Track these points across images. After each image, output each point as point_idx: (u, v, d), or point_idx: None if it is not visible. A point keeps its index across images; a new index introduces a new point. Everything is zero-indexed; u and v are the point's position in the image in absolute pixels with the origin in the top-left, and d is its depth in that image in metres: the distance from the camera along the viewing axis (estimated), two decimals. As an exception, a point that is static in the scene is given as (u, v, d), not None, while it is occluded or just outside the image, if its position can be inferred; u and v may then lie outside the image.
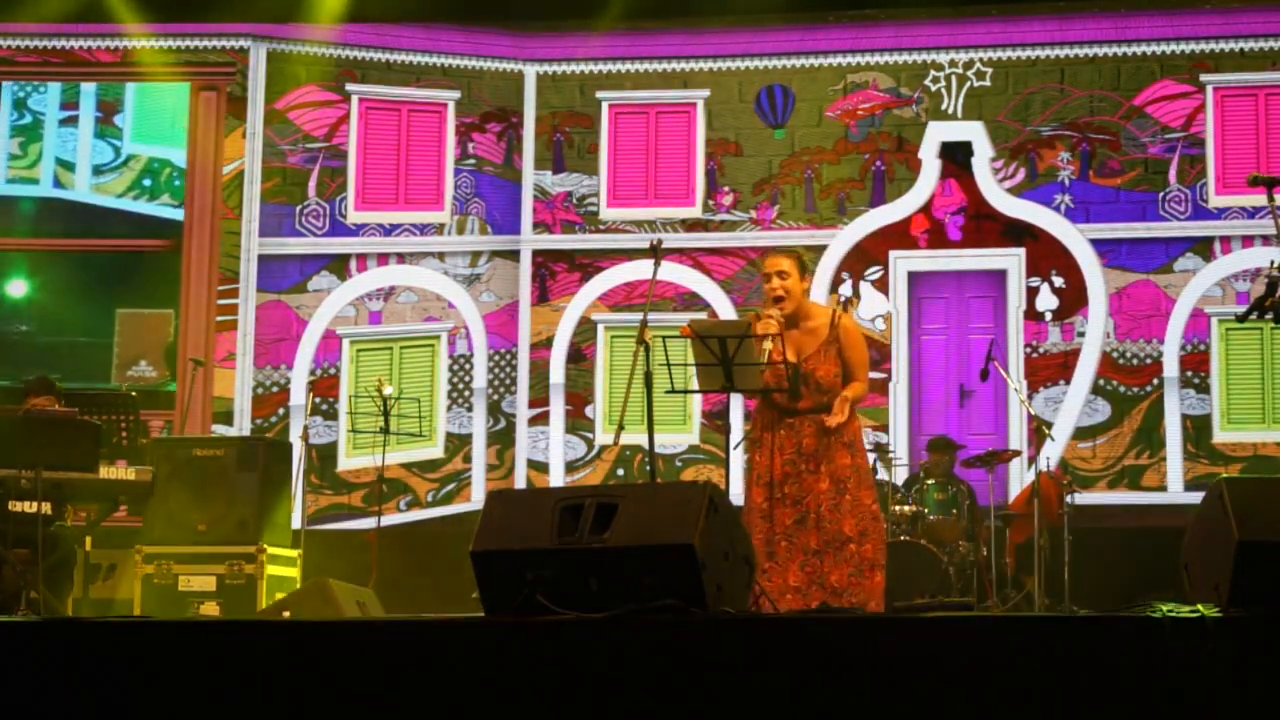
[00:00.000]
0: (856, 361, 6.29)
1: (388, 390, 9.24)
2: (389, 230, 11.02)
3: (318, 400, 10.61)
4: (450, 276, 11.00)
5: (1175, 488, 10.34)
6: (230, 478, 8.35)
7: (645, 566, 4.37)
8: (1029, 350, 10.60)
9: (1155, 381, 10.45)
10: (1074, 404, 10.49)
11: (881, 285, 10.78)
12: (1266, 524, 4.24)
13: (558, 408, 10.92)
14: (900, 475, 9.83)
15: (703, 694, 4.13)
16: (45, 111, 11.03)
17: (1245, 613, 4.10)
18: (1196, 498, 4.84)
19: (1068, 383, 10.53)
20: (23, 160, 10.98)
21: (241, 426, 10.56)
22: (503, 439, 10.93)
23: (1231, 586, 4.20)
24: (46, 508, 7.11)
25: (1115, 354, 10.53)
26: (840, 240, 10.82)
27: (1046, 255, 10.65)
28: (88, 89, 11.01)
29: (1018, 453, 9.96)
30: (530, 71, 11.18)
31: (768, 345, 6.06)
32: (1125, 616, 4.17)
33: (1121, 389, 10.50)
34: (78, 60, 10.97)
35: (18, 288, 11.09)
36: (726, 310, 10.76)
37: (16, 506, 7.04)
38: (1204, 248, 10.53)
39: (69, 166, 11.00)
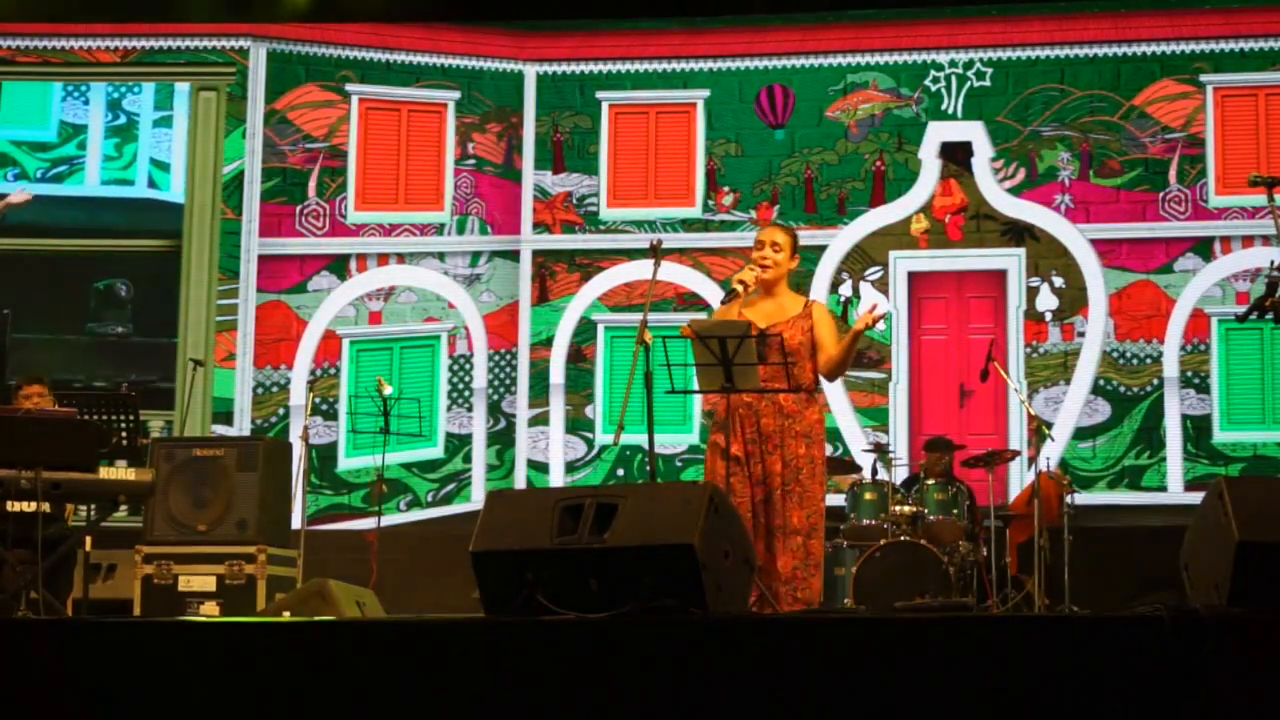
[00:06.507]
0: (830, 338, 6.27)
1: (388, 390, 9.23)
2: (389, 230, 11.02)
3: (318, 400, 10.61)
4: (450, 276, 11.01)
5: (1175, 488, 10.34)
6: (230, 478, 8.34)
7: (645, 566, 4.37)
8: (1029, 350, 10.60)
9: (1155, 381, 10.45)
10: (1074, 404, 10.49)
11: (881, 285, 10.78)
12: (1266, 524, 4.24)
13: (558, 408, 10.92)
14: (900, 475, 9.82)
15: (703, 694, 4.13)
16: (139, 113, 11.04)
17: (1245, 613, 4.10)
18: (1196, 498, 4.84)
19: (1068, 383, 10.53)
20: (118, 161, 11.00)
21: (241, 426, 10.56)
22: (503, 439, 10.93)
23: (1231, 586, 4.20)
24: (46, 508, 7.10)
25: (1115, 354, 10.53)
26: (840, 240, 10.82)
27: (1046, 255, 10.65)
28: (181, 90, 11.00)
29: (1017, 453, 9.96)
30: (530, 71, 11.18)
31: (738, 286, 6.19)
32: (1125, 616, 4.17)
33: (1121, 389, 10.50)
34: (78, 60, 10.97)
35: (122, 289, 11.05)
36: (726, 310, 10.75)
37: (16, 506, 7.03)
38: (1204, 248, 10.53)
39: (163, 167, 11.01)
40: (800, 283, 10.59)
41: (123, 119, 11.04)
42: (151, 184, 11.02)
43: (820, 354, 6.26)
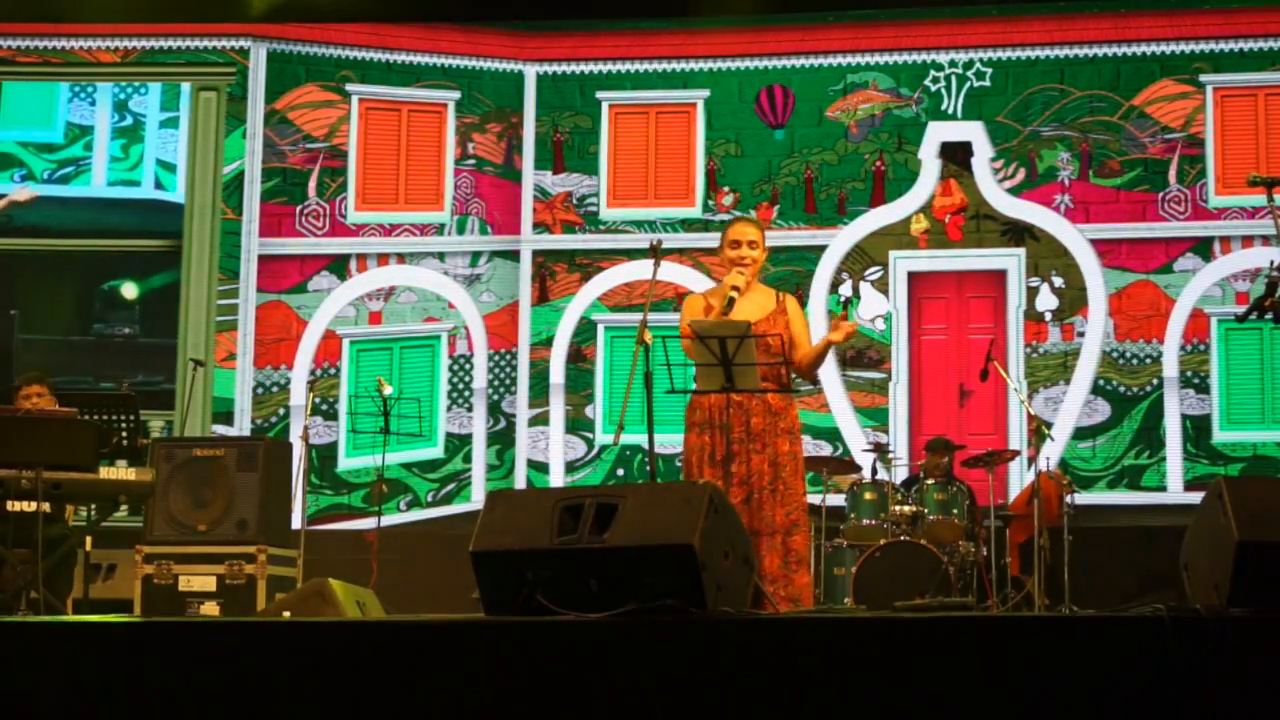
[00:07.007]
0: (804, 334, 6.38)
1: (388, 390, 9.24)
2: (389, 230, 11.02)
3: (318, 400, 10.61)
4: (450, 276, 11.01)
5: (1175, 488, 10.34)
6: (230, 478, 8.34)
7: (645, 566, 4.37)
8: (1029, 350, 10.60)
9: (1155, 381, 10.45)
10: (1074, 404, 10.49)
11: (881, 285, 10.78)
12: (1266, 524, 4.24)
13: (558, 408, 10.92)
14: (900, 475, 9.82)
15: (703, 694, 4.13)
16: (146, 114, 11.04)
17: (1245, 613, 4.10)
18: (1196, 498, 4.84)
19: (1068, 383, 10.53)
20: (124, 162, 11.01)
21: (241, 426, 10.56)
22: (503, 439, 10.93)
23: (1231, 586, 4.20)
24: (46, 508, 7.11)
25: (1115, 354, 10.53)
26: (840, 240, 10.82)
27: (1046, 255, 10.65)
28: (182, 90, 11.00)
29: (1017, 453, 9.96)
30: (530, 71, 11.18)
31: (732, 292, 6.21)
32: (1125, 616, 4.17)
33: (1121, 389, 10.50)
34: (78, 60, 10.97)
35: (129, 290, 11.06)
36: (726, 310, 10.74)
37: (16, 506, 7.03)
38: (1204, 248, 10.53)
39: (169, 168, 11.01)
40: (800, 282, 10.62)
41: (129, 120, 11.05)
42: (158, 185, 11.02)
43: (795, 351, 6.29)
